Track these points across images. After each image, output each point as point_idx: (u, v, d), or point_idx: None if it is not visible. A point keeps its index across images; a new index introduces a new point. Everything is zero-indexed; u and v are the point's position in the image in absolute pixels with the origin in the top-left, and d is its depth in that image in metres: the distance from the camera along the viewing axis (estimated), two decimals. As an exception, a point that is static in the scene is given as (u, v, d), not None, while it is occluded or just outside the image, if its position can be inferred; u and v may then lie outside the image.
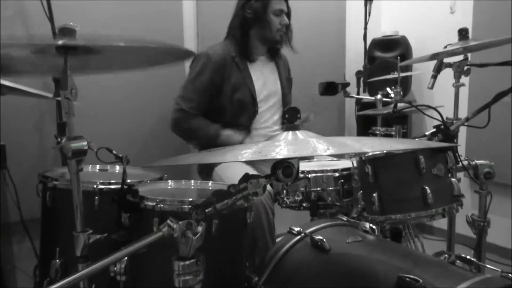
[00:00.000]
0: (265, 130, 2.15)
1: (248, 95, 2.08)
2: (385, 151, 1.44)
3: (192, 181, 1.57)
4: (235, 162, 1.92)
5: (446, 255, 1.61)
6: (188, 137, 2.16)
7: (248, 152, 0.84)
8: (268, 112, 2.16)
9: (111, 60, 1.22)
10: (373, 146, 0.95)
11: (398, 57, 2.19)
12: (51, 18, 2.08)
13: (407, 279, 1.01)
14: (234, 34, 2.11)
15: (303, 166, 1.88)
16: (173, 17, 2.75)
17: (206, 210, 0.85)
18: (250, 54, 2.11)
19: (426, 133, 1.53)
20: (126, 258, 1.21)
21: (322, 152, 0.81)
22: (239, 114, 2.08)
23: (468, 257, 1.46)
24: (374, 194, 1.47)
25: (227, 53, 2.07)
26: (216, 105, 2.07)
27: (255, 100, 2.09)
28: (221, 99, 2.06)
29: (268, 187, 1.71)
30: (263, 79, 2.15)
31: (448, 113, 1.70)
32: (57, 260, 1.37)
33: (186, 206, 1.21)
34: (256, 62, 2.15)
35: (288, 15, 2.12)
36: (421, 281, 0.99)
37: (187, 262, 0.83)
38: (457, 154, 1.50)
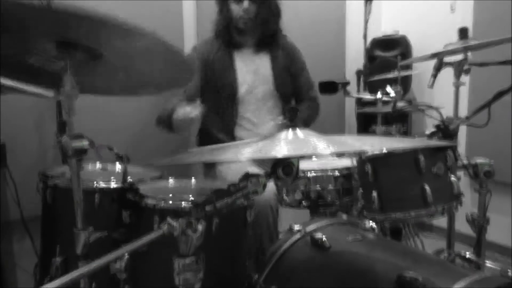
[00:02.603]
0: (259, 118, 2.13)
1: (229, 80, 2.07)
2: (384, 151, 1.45)
3: (193, 179, 1.58)
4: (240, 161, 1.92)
5: (446, 253, 1.61)
6: (161, 122, 2.01)
7: (248, 150, 0.84)
8: (258, 100, 2.14)
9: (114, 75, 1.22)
10: (373, 145, 0.96)
11: (398, 56, 2.20)
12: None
13: (407, 277, 1.01)
14: (213, 28, 2.13)
15: (303, 165, 1.88)
16: (173, 17, 2.75)
17: (206, 209, 0.85)
18: (236, 47, 2.11)
19: (426, 132, 1.53)
20: (126, 256, 1.22)
21: (322, 151, 0.81)
22: (223, 101, 2.08)
23: (467, 255, 1.47)
24: (373, 193, 1.47)
25: (214, 45, 2.09)
26: (202, 95, 2.09)
27: (235, 86, 2.08)
28: (206, 88, 2.07)
29: (273, 188, 1.73)
30: (250, 66, 2.13)
31: (448, 112, 1.70)
32: (58, 258, 1.38)
33: (186, 204, 1.21)
34: (241, 55, 2.13)
35: (259, 1, 2.04)
36: (421, 279, 0.99)
37: (187, 261, 0.84)
38: (456, 152, 1.51)
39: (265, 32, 2.11)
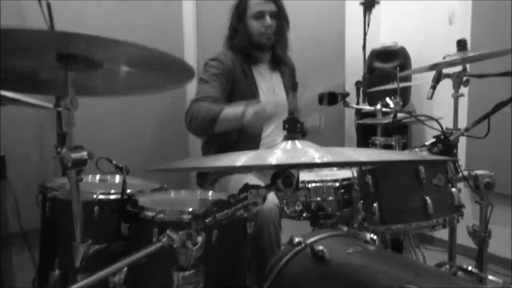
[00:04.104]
0: (278, 135, 2.09)
1: (254, 96, 2.00)
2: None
3: (192, 191, 1.57)
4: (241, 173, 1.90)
5: (447, 266, 1.60)
6: (209, 123, 1.82)
7: (245, 158, 0.84)
8: (277, 123, 2.12)
9: (114, 78, 1.23)
10: (371, 156, 0.95)
11: (397, 68, 2.20)
12: (51, 23, 2.10)
13: (408, 290, 1.00)
14: (231, 45, 2.09)
15: (303, 176, 1.87)
16: (173, 17, 2.76)
17: (206, 220, 0.85)
18: (254, 62, 2.10)
19: (426, 143, 1.53)
20: (125, 268, 1.21)
21: (318, 160, 0.81)
22: None
23: (469, 268, 1.46)
24: (374, 204, 1.46)
25: (234, 59, 2.03)
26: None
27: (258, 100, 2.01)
28: (230, 100, 1.97)
29: (275, 200, 1.71)
30: (269, 83, 2.12)
31: (447, 123, 1.71)
32: (56, 271, 1.37)
33: (185, 216, 1.21)
34: (259, 71, 2.11)
35: (279, 15, 2.03)
36: (422, 292, 0.98)
37: (187, 273, 0.83)
38: (457, 164, 1.51)
39: (284, 47, 2.10)
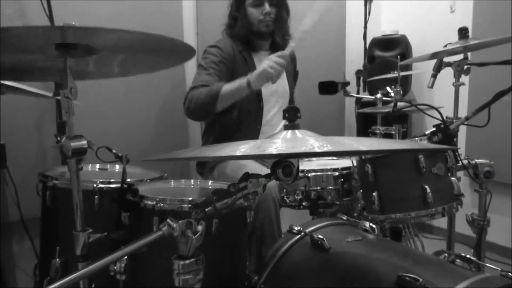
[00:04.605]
0: (278, 120, 2.10)
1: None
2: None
3: (192, 180, 1.58)
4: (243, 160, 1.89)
5: (446, 254, 1.61)
6: (210, 100, 1.82)
7: (246, 147, 0.84)
8: (278, 102, 2.12)
9: (111, 61, 1.23)
10: (372, 145, 0.95)
11: (398, 56, 2.19)
12: (51, 18, 2.08)
13: (407, 278, 1.01)
14: (231, 32, 2.09)
15: (303, 165, 1.87)
16: (173, 17, 2.75)
17: (206, 209, 0.85)
18: (255, 50, 2.09)
19: (426, 132, 1.53)
20: (126, 257, 1.21)
21: (318, 149, 0.81)
22: (246, 112, 2.02)
23: (468, 256, 1.47)
24: (374, 193, 1.47)
25: (234, 46, 2.04)
26: None
27: (260, 96, 2.05)
28: None
29: (275, 187, 1.71)
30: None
31: (448, 112, 1.70)
32: (57, 259, 1.37)
33: (186, 205, 1.21)
34: (260, 59, 2.08)
35: (278, 3, 2.03)
36: (421, 280, 0.99)
37: (187, 261, 0.83)
38: (457, 153, 1.51)
39: (284, 34, 2.09)
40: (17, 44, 0.97)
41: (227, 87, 1.82)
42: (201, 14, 2.85)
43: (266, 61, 1.77)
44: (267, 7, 2.00)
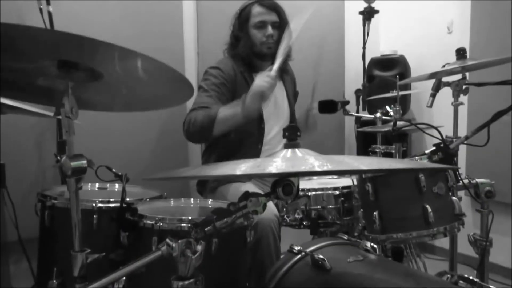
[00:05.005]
0: (279, 141, 2.09)
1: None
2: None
3: (192, 199, 1.57)
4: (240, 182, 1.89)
5: (448, 275, 1.59)
6: (207, 125, 1.82)
7: (246, 166, 0.84)
8: (278, 123, 2.12)
9: (113, 94, 1.23)
10: (372, 164, 0.95)
11: (397, 76, 2.21)
12: (51, 24, 2.10)
13: (410, 299, 1.00)
14: (233, 53, 2.10)
15: (303, 184, 1.87)
16: (173, 17, 2.76)
17: (206, 229, 0.84)
18: (255, 71, 2.10)
19: (426, 152, 1.53)
20: (124, 278, 1.20)
21: (318, 169, 0.81)
22: (247, 132, 2.01)
23: (470, 277, 1.45)
24: (374, 213, 1.46)
25: (235, 67, 2.05)
26: None
27: (261, 116, 2.04)
28: None
29: (275, 211, 1.70)
30: (271, 96, 2.12)
31: (447, 131, 1.71)
32: (54, 281, 1.35)
33: (185, 224, 1.20)
34: None
35: (281, 26, 2.03)
36: (423, 301, 0.98)
37: (186, 282, 0.82)
38: (457, 172, 1.50)
39: (287, 56, 2.09)
40: (17, 46, 0.96)
41: (223, 111, 1.82)
42: (201, 14, 2.87)
43: (256, 79, 1.80)
44: (270, 29, 2.02)
